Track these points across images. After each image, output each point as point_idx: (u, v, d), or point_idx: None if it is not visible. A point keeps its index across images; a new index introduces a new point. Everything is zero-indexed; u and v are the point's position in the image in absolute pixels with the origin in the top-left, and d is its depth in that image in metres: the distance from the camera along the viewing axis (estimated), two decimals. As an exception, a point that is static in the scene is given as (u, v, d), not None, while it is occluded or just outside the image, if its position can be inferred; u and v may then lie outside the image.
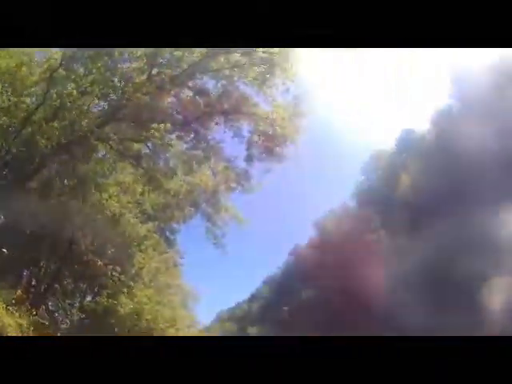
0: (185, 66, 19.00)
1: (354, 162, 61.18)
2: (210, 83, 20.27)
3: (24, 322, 16.22)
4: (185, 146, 21.67)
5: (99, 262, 23.41)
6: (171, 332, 23.50)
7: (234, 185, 22.37)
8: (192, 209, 27.46)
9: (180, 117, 20.62)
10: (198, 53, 18.40)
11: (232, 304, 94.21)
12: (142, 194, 23.43)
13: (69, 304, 25.25)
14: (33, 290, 22.73)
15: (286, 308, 59.24)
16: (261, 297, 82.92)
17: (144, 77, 19.30)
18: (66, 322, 24.22)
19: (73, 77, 18.74)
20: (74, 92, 18.54)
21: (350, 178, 77.68)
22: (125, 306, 22.96)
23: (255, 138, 20.63)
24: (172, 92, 20.01)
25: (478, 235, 29.89)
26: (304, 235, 75.10)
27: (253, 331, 68.02)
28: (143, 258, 26.61)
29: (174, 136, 21.02)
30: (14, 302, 17.07)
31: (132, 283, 24.84)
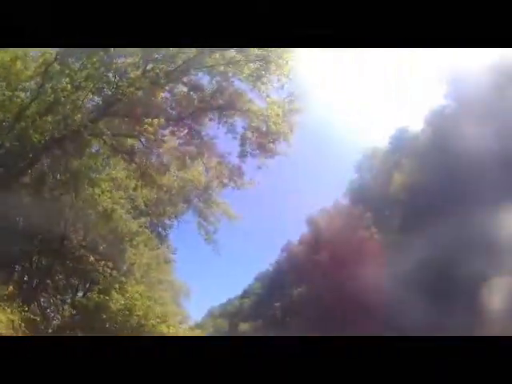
0: (180, 62, 18.90)
1: (348, 160, 61.44)
2: (204, 79, 20.24)
3: (15, 318, 16.14)
4: (178, 141, 21.56)
5: (91, 258, 23.31)
6: (162, 328, 23.35)
7: (226, 181, 22.30)
8: (184, 205, 27.50)
9: (174, 112, 20.58)
10: (193, 49, 18.30)
11: (223, 300, 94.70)
12: (134, 189, 23.30)
13: (60, 300, 25.12)
14: (25, 285, 22.59)
15: (277, 304, 59.39)
16: (252, 293, 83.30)
17: (138, 72, 19.20)
18: (58, 318, 24.08)
19: (67, 71, 18.54)
20: (69, 87, 18.37)
21: (343, 175, 77.96)
22: (116, 301, 22.80)
23: (249, 134, 20.56)
24: (166, 87, 19.97)
25: (471, 234, 30.05)
26: (296, 232, 75.44)
27: (244, 327, 68.33)
28: (135, 254, 26.56)
29: (167, 131, 20.93)
30: (5, 297, 16.96)
31: (124, 279, 24.71)
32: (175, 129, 20.92)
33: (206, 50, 17.97)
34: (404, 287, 32.78)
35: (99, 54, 18.23)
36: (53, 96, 18.66)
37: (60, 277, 25.01)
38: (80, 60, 18.83)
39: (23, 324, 16.60)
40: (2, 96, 18.78)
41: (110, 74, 19.33)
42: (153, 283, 31.70)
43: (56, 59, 18.41)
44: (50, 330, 21.95)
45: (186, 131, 20.88)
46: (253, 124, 20.33)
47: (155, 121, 19.27)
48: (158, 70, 18.72)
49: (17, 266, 22.86)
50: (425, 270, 32.99)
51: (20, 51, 18.40)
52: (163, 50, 18.61)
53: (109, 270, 23.43)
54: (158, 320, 23.41)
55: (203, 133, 21.08)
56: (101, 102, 20.18)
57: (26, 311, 17.73)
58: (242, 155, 20.97)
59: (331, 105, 44.26)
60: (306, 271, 52.04)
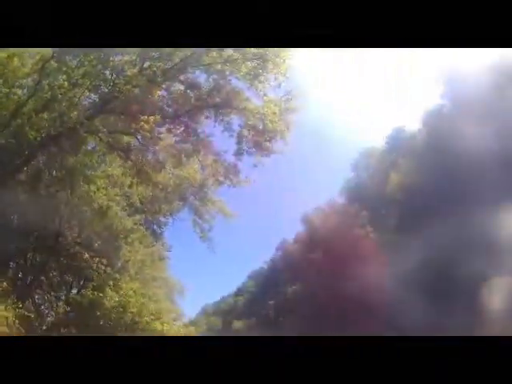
0: (177, 60, 18.84)
1: (345, 159, 61.51)
2: (201, 77, 20.17)
3: (10, 315, 16.07)
4: (174, 139, 21.53)
5: (85, 255, 23.26)
6: (156, 325, 23.32)
7: (222, 179, 22.29)
8: (180, 203, 27.45)
9: (170, 110, 20.52)
10: (191, 47, 18.29)
11: (218, 298, 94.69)
12: (130, 186, 23.27)
13: (55, 297, 25.03)
14: (19, 282, 22.49)
15: (271, 302, 59.42)
16: (246, 291, 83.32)
17: (135, 70, 19.13)
18: (52, 315, 24.00)
19: (64, 69, 18.49)
20: (65, 84, 18.31)
21: (340, 174, 78.04)
22: (110, 298, 22.76)
23: (245, 132, 20.54)
24: (163, 85, 19.92)
25: (469, 234, 30.12)
26: (292, 230, 75.52)
27: (238, 325, 68.34)
28: (129, 251, 26.53)
29: (163, 129, 20.90)
30: (-1, 294, 16.92)
31: (118, 276, 24.71)
32: (171, 126, 20.88)
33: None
34: (401, 287, 32.85)
35: (96, 51, 18.14)
36: (49, 93, 18.64)
37: (54, 274, 24.93)
38: (77, 57, 18.75)
39: (17, 321, 16.54)
40: (-1, 93, 18.73)
41: (107, 72, 19.27)
42: (147, 280, 31.70)
43: (53, 56, 18.33)
44: (44, 327, 21.90)
45: (183, 129, 20.86)
46: (249, 122, 20.32)
47: (151, 118, 19.30)
48: (154, 68, 18.68)
49: (11, 263, 22.74)
50: (423, 270, 33.05)
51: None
52: (160, 48, 18.55)
53: (103, 267, 23.44)
54: (152, 317, 23.39)
55: (199, 130, 21.10)
56: (97, 100, 20.08)
57: (20, 308, 17.68)
58: (238, 153, 20.98)
59: (328, 104, 44.54)
60: (301, 270, 52.04)
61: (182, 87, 20.28)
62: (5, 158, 18.92)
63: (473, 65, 34.82)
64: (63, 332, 21.16)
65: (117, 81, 18.87)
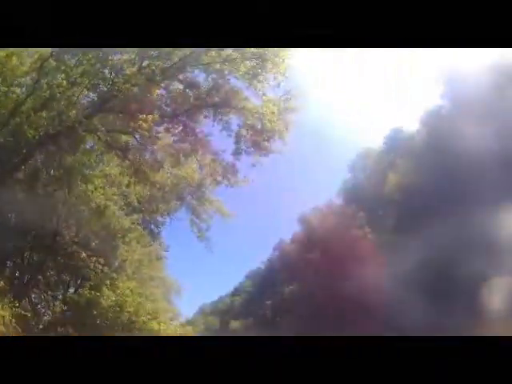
0: (176, 59, 18.82)
1: (343, 160, 61.43)
2: (200, 76, 20.14)
3: (6, 314, 16.02)
4: (172, 138, 21.48)
5: (83, 254, 23.22)
6: (153, 325, 23.30)
7: (220, 178, 22.25)
8: (177, 202, 27.44)
9: (169, 109, 20.49)
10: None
11: (215, 298, 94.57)
12: (127, 186, 23.21)
13: (51, 296, 24.99)
14: (16, 281, 22.43)
15: (268, 302, 59.39)
16: (244, 291, 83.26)
17: (134, 69, 19.09)
18: (49, 314, 23.96)
19: (63, 68, 18.47)
20: (64, 83, 18.27)
21: (338, 175, 78.04)
22: (107, 298, 22.74)
23: (243, 131, 20.52)
24: (162, 84, 19.88)
25: (467, 235, 30.07)
26: (290, 230, 75.34)
27: (235, 325, 68.32)
28: (127, 251, 26.53)
29: (162, 128, 20.83)
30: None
31: (115, 275, 24.70)
32: (170, 126, 20.84)
33: (203, 47, 17.93)
34: (399, 287, 32.81)
35: (95, 51, 18.13)
36: (48, 92, 18.62)
37: (51, 273, 24.93)
38: (76, 56, 18.75)
39: (14, 320, 16.48)
40: (-3, 91, 18.70)
41: (106, 71, 19.26)
42: (144, 280, 31.72)
43: (52, 55, 18.33)
44: (40, 326, 21.86)
45: (181, 128, 20.78)
46: (248, 122, 20.29)
47: (150, 117, 19.23)
48: (153, 67, 18.65)
49: (8, 262, 22.68)
50: (421, 271, 32.97)
51: (16, 46, 18.33)
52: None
53: (100, 267, 23.43)
54: (149, 317, 23.40)
55: (198, 130, 21.05)
56: (96, 99, 20.07)
57: (17, 307, 17.62)
58: (237, 153, 20.93)
59: (328, 104, 44.33)
60: (298, 270, 52.03)
61: (180, 86, 20.25)
62: (3, 156, 18.91)
63: (473, 65, 34.74)
64: (60, 331, 21.12)
65: (116, 80, 18.84)
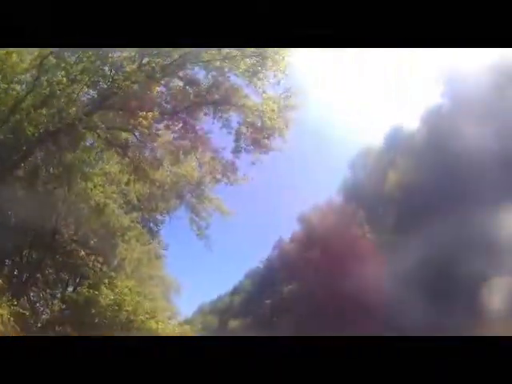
0: (176, 56, 18.79)
1: (343, 158, 61.35)
2: (200, 74, 20.12)
3: (4, 313, 15.99)
4: (172, 135, 21.44)
5: (82, 252, 23.20)
6: (151, 324, 23.27)
7: (219, 176, 22.22)
8: (177, 201, 27.39)
9: (169, 106, 20.47)
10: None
11: (214, 296, 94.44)
12: (127, 184, 23.15)
13: (50, 294, 24.98)
14: (14, 279, 22.39)
15: (268, 301, 59.36)
16: (243, 290, 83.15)
17: (134, 66, 19.04)
18: (47, 313, 23.93)
19: (63, 65, 18.44)
20: (64, 80, 18.25)
21: (338, 173, 77.86)
22: (106, 296, 22.69)
23: (243, 129, 20.51)
24: (162, 82, 19.87)
25: (468, 234, 30.09)
26: (289, 229, 75.31)
27: (234, 324, 68.27)
28: (126, 249, 26.52)
29: (161, 125, 20.81)
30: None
31: (114, 274, 24.67)
32: (170, 123, 20.81)
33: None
34: (399, 286, 32.82)
35: (96, 50, 18.13)
36: (48, 89, 18.60)
37: (50, 271, 24.92)
38: (76, 53, 18.73)
39: (12, 318, 16.45)
40: (-3, 89, 18.69)
41: (106, 68, 19.22)
42: (143, 278, 31.74)
43: (52, 53, 18.31)
44: (38, 325, 21.83)
45: (181, 125, 20.77)
46: (248, 119, 20.27)
47: (150, 114, 19.16)
48: (153, 64, 18.61)
49: (7, 260, 22.66)
50: (421, 270, 32.98)
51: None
52: (160, 45, 18.51)
53: (99, 265, 23.40)
54: (147, 316, 23.33)
55: (198, 127, 21.04)
56: (96, 96, 20.05)
57: (15, 305, 17.59)
58: (237, 150, 20.93)
59: (328, 102, 44.23)
60: (297, 269, 52.01)
61: (180, 83, 20.25)
62: (3, 153, 18.92)
63: (473, 65, 34.82)
64: (58, 330, 21.09)
65: (116, 77, 18.84)
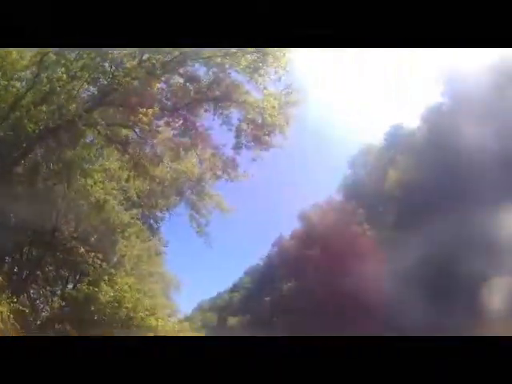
0: (176, 53, 18.72)
1: (344, 156, 61.38)
2: (201, 70, 20.06)
3: (4, 310, 15.97)
4: (172, 132, 21.42)
5: (81, 249, 23.15)
6: (151, 321, 23.29)
7: (220, 173, 22.21)
8: (177, 197, 27.42)
9: (169, 103, 20.41)
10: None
11: (214, 293, 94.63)
12: (127, 180, 23.12)
13: (50, 291, 24.96)
14: (14, 277, 22.37)
15: (267, 299, 59.40)
16: (242, 287, 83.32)
17: (135, 62, 19.00)
18: (47, 310, 23.92)
19: (63, 61, 18.36)
20: (64, 76, 18.21)
21: (338, 170, 77.96)
22: (105, 293, 22.69)
23: (244, 126, 20.50)
24: (162, 78, 19.80)
25: (468, 233, 30.14)
26: (289, 226, 75.38)
27: (233, 322, 68.41)
28: (126, 246, 26.49)
29: (162, 122, 20.78)
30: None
31: (113, 271, 24.64)
32: (170, 119, 20.78)
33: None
34: (398, 284, 32.86)
35: (96, 50, 18.10)
36: (48, 86, 18.56)
37: (50, 268, 24.87)
38: (76, 50, 18.59)
39: (12, 315, 16.43)
40: (-3, 86, 18.65)
41: (106, 64, 19.13)
42: (143, 275, 31.73)
43: (52, 49, 18.20)
44: (38, 322, 21.82)
45: (181, 122, 20.73)
46: (248, 116, 20.25)
47: (150, 111, 19.15)
48: (154, 61, 18.56)
49: (7, 257, 22.63)
50: (421, 268, 33.05)
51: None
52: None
53: (99, 262, 23.32)
54: (147, 312, 23.37)
55: (198, 124, 20.98)
56: (96, 92, 20.01)
57: (15, 303, 17.54)
58: (237, 147, 20.92)
59: (329, 100, 44.39)
60: (297, 266, 52.05)
61: (181, 80, 20.17)
62: (3, 150, 18.89)
63: (473, 64, 34.79)
64: (58, 327, 21.09)
65: (116, 73, 18.75)
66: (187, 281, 61.89)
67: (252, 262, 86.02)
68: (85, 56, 18.45)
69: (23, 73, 19.47)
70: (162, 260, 39.10)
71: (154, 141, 21.28)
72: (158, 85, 19.92)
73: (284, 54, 18.62)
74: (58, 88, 18.42)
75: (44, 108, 18.91)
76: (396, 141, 51.62)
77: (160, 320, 24.18)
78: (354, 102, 59.91)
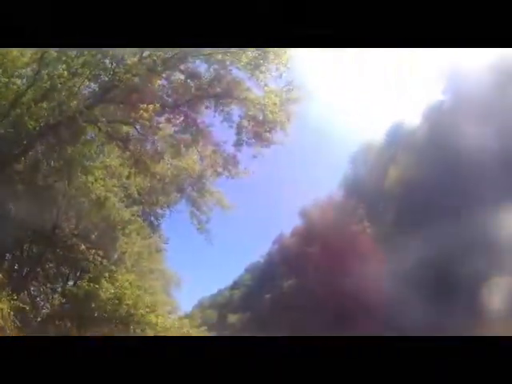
0: (177, 50, 18.64)
1: (345, 153, 61.40)
2: (202, 67, 20.00)
3: (5, 307, 15.98)
4: (173, 129, 21.38)
5: (82, 246, 23.16)
6: (151, 318, 23.29)
7: (220, 170, 22.17)
8: (178, 194, 27.39)
9: (170, 99, 20.37)
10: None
11: (215, 290, 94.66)
12: (128, 177, 23.11)
13: (50, 288, 24.99)
14: (15, 274, 22.39)
15: (267, 296, 59.48)
16: (243, 284, 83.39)
17: (135, 59, 18.97)
18: (47, 307, 23.95)
19: (64, 58, 18.35)
20: (65, 73, 18.21)
21: (339, 167, 77.83)
22: (106, 290, 22.70)
23: (245, 122, 20.45)
24: (163, 75, 19.77)
25: (468, 232, 30.11)
26: (289, 224, 75.37)
27: (233, 319, 68.50)
28: (126, 243, 26.46)
29: (162, 119, 20.76)
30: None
31: (114, 268, 24.63)
32: (171, 116, 20.72)
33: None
34: (398, 282, 32.91)
35: (96, 51, 18.12)
36: (49, 83, 18.53)
37: (51, 265, 24.90)
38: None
39: (12, 313, 16.46)
40: (-2, 83, 18.63)
41: (107, 61, 19.10)
42: (144, 272, 31.70)
43: (52, 46, 18.21)
44: (39, 319, 21.84)
45: (182, 119, 20.68)
46: (249, 113, 20.18)
47: (151, 107, 19.10)
48: (155, 57, 18.52)
49: (7, 254, 22.65)
50: (421, 266, 33.09)
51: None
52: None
53: (99, 259, 23.33)
54: (148, 309, 23.33)
55: (199, 121, 20.91)
56: (97, 89, 19.98)
57: (16, 300, 17.56)
58: (238, 144, 20.87)
59: (330, 97, 44.25)
60: (298, 263, 52.13)
61: (182, 77, 20.11)
62: (3, 147, 18.86)
63: (474, 63, 34.82)
64: (58, 324, 21.12)
65: (117, 70, 18.73)
66: (188, 278, 61.75)
67: (252, 259, 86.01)
68: (86, 53, 18.40)
69: (24, 70, 19.43)
70: (162, 257, 39.17)
71: (155, 137, 21.22)
72: (159, 81, 19.87)
73: (285, 51, 18.58)
74: (59, 85, 18.38)
75: (44, 105, 18.90)
76: (397, 139, 51.65)
77: (160, 317, 24.14)
78: (355, 100, 59.96)
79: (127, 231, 25.75)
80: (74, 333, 20.72)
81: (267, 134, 20.50)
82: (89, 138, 21.00)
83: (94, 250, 23.21)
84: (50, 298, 24.40)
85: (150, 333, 22.47)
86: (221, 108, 20.26)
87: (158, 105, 19.32)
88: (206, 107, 20.61)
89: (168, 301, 41.32)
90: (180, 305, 51.35)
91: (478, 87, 35.45)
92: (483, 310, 29.20)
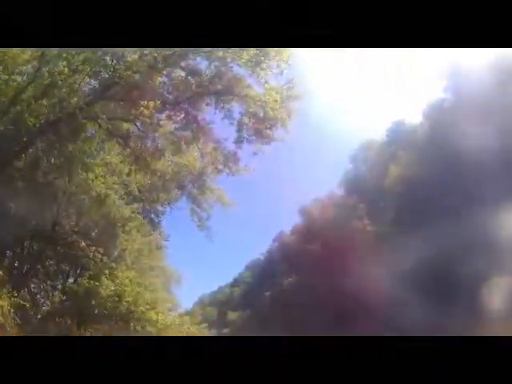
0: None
1: (345, 150, 61.41)
2: (202, 64, 19.94)
3: (5, 304, 15.99)
4: (174, 126, 21.37)
5: (82, 244, 23.16)
6: (151, 315, 23.32)
7: (221, 167, 22.14)
8: (178, 191, 27.41)
9: (171, 97, 20.33)
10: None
11: (215, 288, 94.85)
12: (128, 174, 23.10)
13: (51, 286, 25.01)
14: (15, 271, 22.39)
15: (267, 293, 59.53)
16: (243, 282, 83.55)
17: (136, 55, 18.90)
18: (47, 304, 23.97)
19: (64, 55, 18.32)
20: (66, 70, 18.18)
21: (340, 165, 77.91)
22: (106, 287, 22.72)
23: (245, 119, 20.41)
24: (164, 72, 19.72)
25: (468, 231, 30.06)
26: (290, 221, 75.45)
27: (233, 316, 68.64)
28: (127, 240, 26.48)
29: (163, 116, 20.72)
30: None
31: (114, 265, 24.64)
32: (171, 113, 20.68)
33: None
34: (398, 282, 32.90)
35: (96, 51, 18.10)
36: (49, 79, 18.50)
37: (51, 262, 24.89)
38: (76, 48, 18.60)
39: (12, 310, 16.46)
40: (-2, 80, 18.61)
41: (108, 58, 19.03)
42: (144, 269, 31.74)
43: (52, 43, 18.17)
44: (39, 316, 21.86)
45: (183, 116, 20.65)
46: (250, 110, 20.13)
47: (151, 104, 19.09)
48: (155, 54, 18.46)
49: (8, 252, 22.65)
50: (420, 267, 33.07)
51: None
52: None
53: (100, 256, 23.33)
54: (148, 307, 23.38)
55: (200, 118, 20.86)
56: (97, 86, 19.93)
57: (16, 297, 17.56)
58: (239, 141, 20.80)
59: (331, 94, 44.33)
60: (298, 261, 52.16)
61: (183, 73, 20.03)
62: (3, 144, 18.83)
63: (475, 61, 34.79)
64: (58, 321, 21.14)
65: (117, 67, 18.65)
66: (188, 275, 61.89)
67: (253, 256, 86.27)
68: (86, 50, 18.38)
69: (24, 67, 19.37)
70: (162, 254, 39.21)
71: (156, 134, 21.26)
72: (160, 78, 19.82)
73: (286, 49, 18.56)
74: (60, 81, 18.37)
75: (45, 102, 18.86)
76: (397, 137, 51.66)
77: (160, 314, 24.18)
78: (356, 99, 60.01)
79: (127, 228, 25.78)
80: (75, 330, 20.77)
81: (268, 131, 20.47)
82: (89, 134, 20.97)
83: (94, 247, 23.22)
84: (51, 295, 24.42)
85: (150, 330, 22.52)
86: (221, 105, 20.21)
87: (158, 102, 19.32)
88: (207, 104, 20.57)
89: (168, 298, 41.37)
90: (180, 302, 51.57)
91: (480, 85, 35.38)
92: (483, 310, 29.16)
